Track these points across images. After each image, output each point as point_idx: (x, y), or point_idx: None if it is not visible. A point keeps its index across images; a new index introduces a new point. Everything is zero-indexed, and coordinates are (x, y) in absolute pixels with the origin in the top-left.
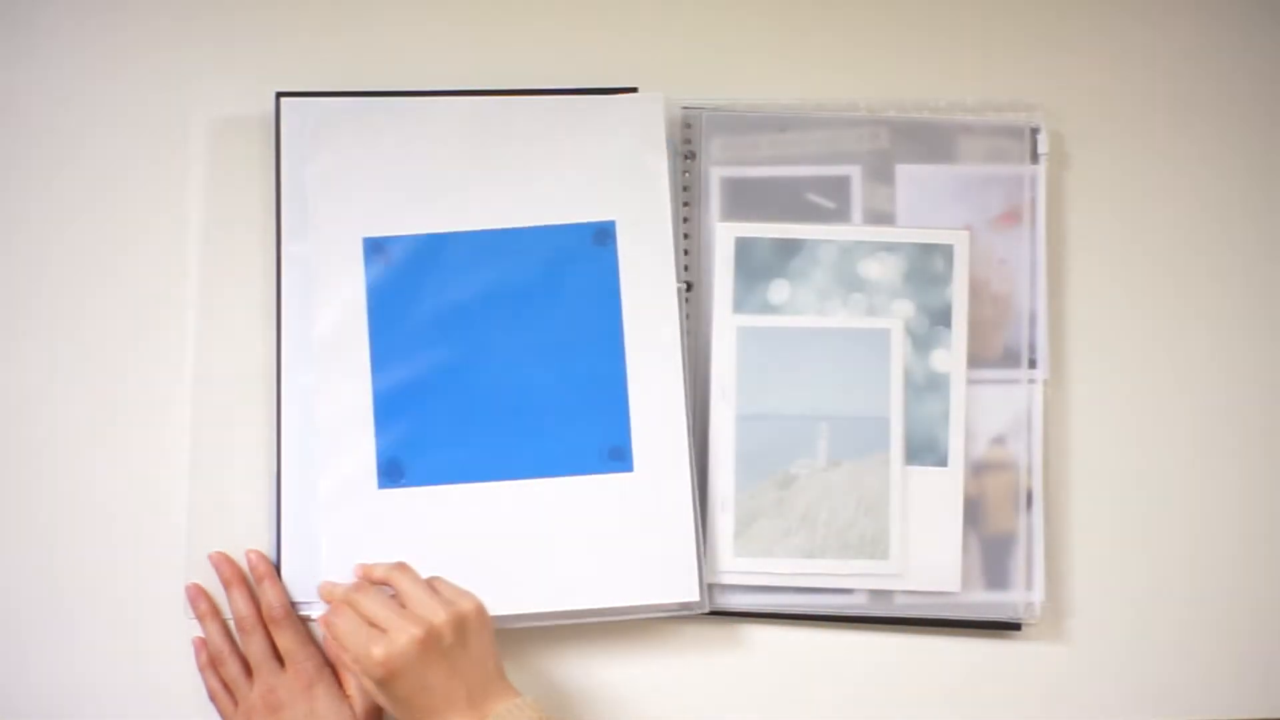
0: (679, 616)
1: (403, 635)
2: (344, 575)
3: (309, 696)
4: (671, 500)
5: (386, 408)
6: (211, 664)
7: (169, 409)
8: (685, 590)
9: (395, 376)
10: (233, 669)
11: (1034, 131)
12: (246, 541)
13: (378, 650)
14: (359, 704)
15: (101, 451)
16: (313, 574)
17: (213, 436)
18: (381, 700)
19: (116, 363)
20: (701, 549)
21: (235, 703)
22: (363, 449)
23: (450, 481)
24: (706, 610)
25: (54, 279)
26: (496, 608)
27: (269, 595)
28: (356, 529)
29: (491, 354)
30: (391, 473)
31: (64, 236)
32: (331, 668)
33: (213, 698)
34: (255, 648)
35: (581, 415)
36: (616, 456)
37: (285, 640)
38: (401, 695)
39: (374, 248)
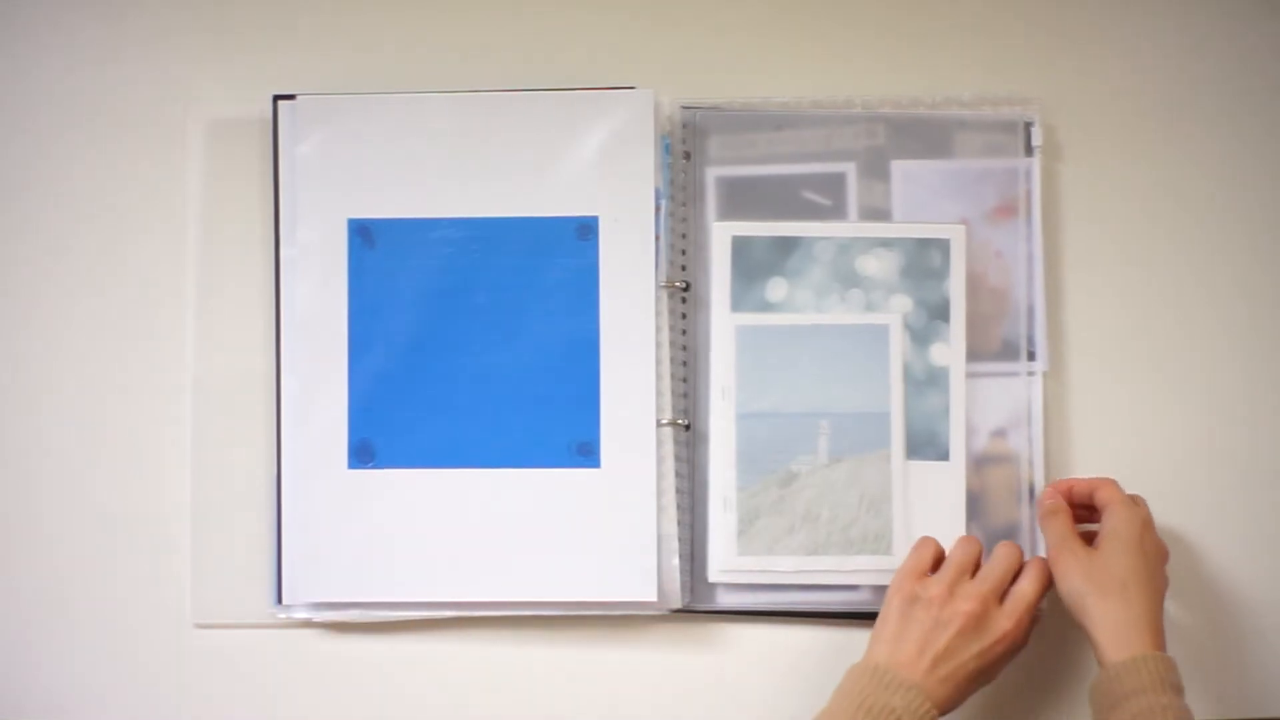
0: (674, 616)
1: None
2: (307, 550)
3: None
4: (636, 500)
5: (361, 388)
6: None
7: (168, 409)
8: (642, 590)
9: (372, 358)
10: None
11: (1028, 125)
12: (246, 541)
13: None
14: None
15: (101, 452)
16: (314, 572)
17: (213, 436)
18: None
19: (115, 363)
20: (673, 549)
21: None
22: (335, 428)
23: (419, 466)
24: (666, 611)
25: (52, 279)
26: (457, 594)
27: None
28: (323, 507)
29: (468, 342)
30: (362, 454)
31: (62, 237)
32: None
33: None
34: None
35: (552, 408)
36: (584, 452)
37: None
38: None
39: (359, 229)
